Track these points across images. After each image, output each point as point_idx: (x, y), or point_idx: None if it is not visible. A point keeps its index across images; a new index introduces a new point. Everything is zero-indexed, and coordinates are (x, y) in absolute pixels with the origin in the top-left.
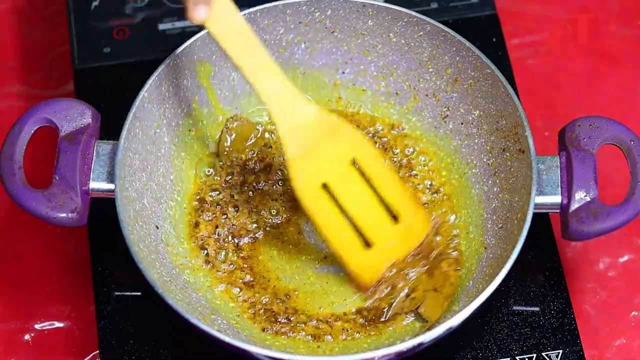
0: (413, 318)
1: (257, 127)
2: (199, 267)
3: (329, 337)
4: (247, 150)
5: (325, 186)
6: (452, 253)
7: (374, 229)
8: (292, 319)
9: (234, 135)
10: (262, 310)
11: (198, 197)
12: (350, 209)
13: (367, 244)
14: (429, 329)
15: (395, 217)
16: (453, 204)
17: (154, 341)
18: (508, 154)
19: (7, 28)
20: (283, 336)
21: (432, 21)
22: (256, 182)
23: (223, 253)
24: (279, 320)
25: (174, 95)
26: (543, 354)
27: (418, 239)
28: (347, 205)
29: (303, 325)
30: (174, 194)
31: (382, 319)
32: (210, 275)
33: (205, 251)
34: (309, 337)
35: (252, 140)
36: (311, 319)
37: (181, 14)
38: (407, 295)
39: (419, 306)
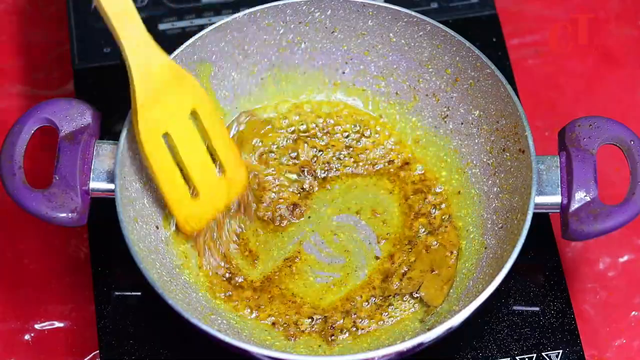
0: (416, 306)
1: (268, 127)
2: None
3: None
4: (252, 147)
5: (165, 135)
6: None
7: (202, 179)
8: (294, 316)
9: (242, 127)
10: (264, 311)
11: None
12: (184, 159)
13: (194, 194)
14: (429, 329)
15: (221, 170)
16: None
17: (154, 341)
18: (508, 154)
19: (7, 28)
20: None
21: (432, 21)
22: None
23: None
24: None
25: None
26: (543, 354)
27: (237, 192)
28: (181, 155)
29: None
30: None
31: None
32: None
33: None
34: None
35: (258, 141)
36: (315, 313)
37: (181, 14)
38: (404, 275)
39: (418, 288)
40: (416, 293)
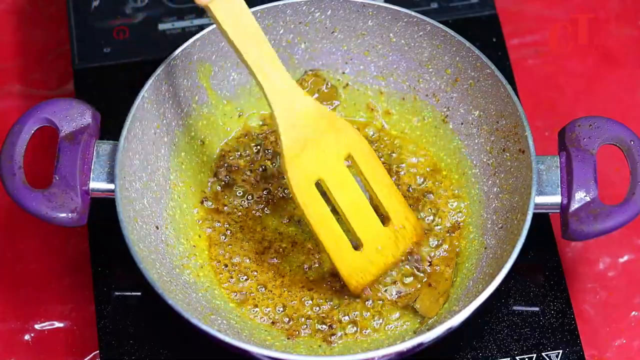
0: (411, 315)
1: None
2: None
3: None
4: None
5: (318, 183)
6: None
7: (364, 229)
8: (294, 316)
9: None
10: (265, 311)
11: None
12: (343, 207)
13: (356, 247)
14: (429, 329)
15: (385, 220)
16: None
17: (154, 341)
18: (508, 154)
19: (7, 28)
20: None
21: (432, 21)
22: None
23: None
24: (284, 320)
25: (174, 95)
26: (543, 354)
27: (408, 243)
28: (339, 203)
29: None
30: (174, 194)
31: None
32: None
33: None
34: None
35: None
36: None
37: (181, 14)
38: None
39: (414, 301)
40: (412, 304)
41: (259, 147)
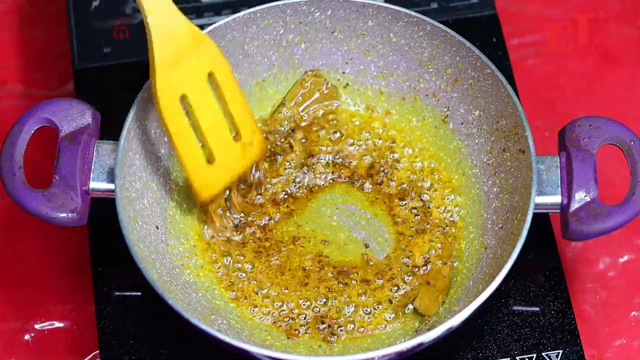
0: (412, 314)
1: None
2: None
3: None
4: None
5: (182, 99)
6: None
7: (218, 144)
8: (294, 316)
9: (308, 88)
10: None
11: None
12: (201, 123)
13: (209, 161)
14: (429, 329)
15: (236, 136)
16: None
17: (154, 341)
18: (508, 154)
19: (7, 28)
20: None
21: (432, 21)
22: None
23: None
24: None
25: None
26: (543, 354)
27: (252, 159)
28: (198, 119)
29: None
30: (174, 194)
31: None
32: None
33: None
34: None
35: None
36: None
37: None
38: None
39: (413, 300)
40: (411, 304)
41: None
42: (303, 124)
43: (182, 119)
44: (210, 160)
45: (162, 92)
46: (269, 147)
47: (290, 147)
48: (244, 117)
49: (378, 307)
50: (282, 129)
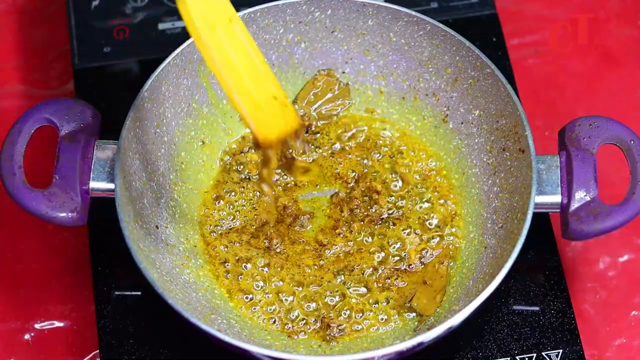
0: (410, 314)
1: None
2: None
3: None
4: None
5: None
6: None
7: (260, 90)
8: (294, 316)
9: (319, 86)
10: (265, 310)
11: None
12: (240, 64)
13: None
14: (429, 328)
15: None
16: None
17: (154, 341)
18: (508, 154)
19: (7, 28)
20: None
21: (432, 21)
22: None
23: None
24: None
25: (174, 95)
26: (543, 353)
27: (292, 123)
28: (236, 59)
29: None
30: (174, 194)
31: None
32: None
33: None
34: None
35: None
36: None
37: None
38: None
39: (411, 300)
40: (408, 303)
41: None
42: (316, 122)
43: (227, 49)
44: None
45: (199, 19)
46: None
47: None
48: (270, 76)
49: (376, 307)
50: None
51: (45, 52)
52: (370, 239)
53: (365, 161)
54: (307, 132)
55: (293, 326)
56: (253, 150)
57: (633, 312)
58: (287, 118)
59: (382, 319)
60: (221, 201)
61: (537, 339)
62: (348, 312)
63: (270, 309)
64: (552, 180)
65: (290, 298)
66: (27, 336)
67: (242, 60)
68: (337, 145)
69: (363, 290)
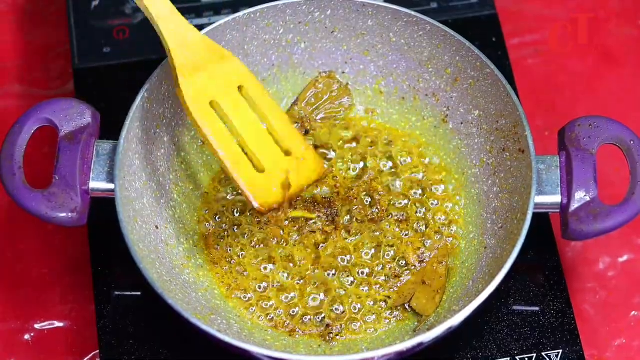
0: (410, 315)
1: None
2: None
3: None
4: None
5: (213, 105)
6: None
7: (265, 154)
8: (294, 316)
9: (319, 88)
10: (265, 310)
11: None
12: (242, 132)
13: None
14: (429, 329)
15: (286, 152)
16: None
17: (154, 341)
18: (508, 154)
19: (7, 28)
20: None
21: (432, 21)
22: None
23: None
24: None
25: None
26: (543, 353)
27: (312, 178)
28: (237, 128)
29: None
30: (173, 194)
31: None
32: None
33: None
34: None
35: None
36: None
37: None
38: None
39: (410, 300)
40: (408, 304)
41: None
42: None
43: (217, 121)
44: (258, 169)
45: (189, 95)
46: None
47: None
48: (289, 132)
49: (376, 307)
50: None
51: (45, 52)
52: (369, 239)
53: (365, 161)
54: (306, 133)
55: (293, 326)
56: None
57: (633, 313)
58: (302, 173)
59: (381, 319)
60: (221, 202)
61: (537, 339)
62: (348, 312)
63: (270, 310)
64: (552, 180)
65: (290, 298)
66: (27, 336)
67: (246, 129)
68: (337, 146)
69: (362, 290)
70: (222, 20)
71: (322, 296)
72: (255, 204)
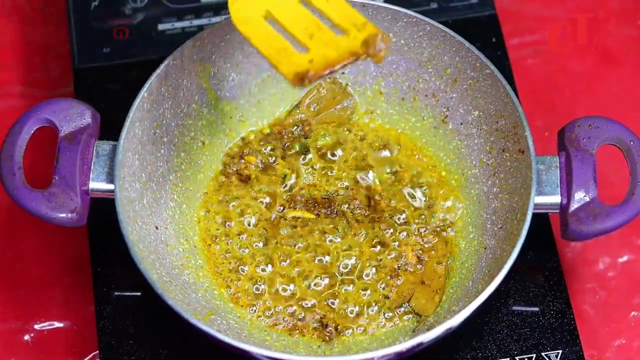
0: (409, 315)
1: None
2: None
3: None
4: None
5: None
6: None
7: (311, 36)
8: (294, 316)
9: (322, 93)
10: (265, 310)
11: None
12: (289, 27)
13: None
14: (428, 329)
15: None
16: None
17: (154, 341)
18: (508, 154)
19: (7, 28)
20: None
21: (431, 21)
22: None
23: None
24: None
25: (174, 96)
26: (543, 354)
27: (368, 32)
28: (287, 26)
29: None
30: (173, 194)
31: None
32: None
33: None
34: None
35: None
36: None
37: (181, 14)
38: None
39: (409, 300)
40: (407, 304)
41: (263, 148)
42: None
43: (265, 28)
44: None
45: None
46: (273, 151)
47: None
48: (345, 13)
49: (375, 307)
50: (294, 130)
51: (45, 52)
52: (369, 240)
53: (365, 162)
54: (306, 137)
55: (292, 326)
56: (253, 152)
57: (632, 313)
58: (352, 40)
59: (381, 319)
60: (221, 202)
61: (537, 340)
62: (347, 312)
63: (269, 309)
64: (551, 180)
65: (290, 298)
66: (27, 336)
67: (292, 24)
68: (337, 146)
69: (362, 290)
70: (222, 20)
71: (322, 297)
72: (290, 76)
